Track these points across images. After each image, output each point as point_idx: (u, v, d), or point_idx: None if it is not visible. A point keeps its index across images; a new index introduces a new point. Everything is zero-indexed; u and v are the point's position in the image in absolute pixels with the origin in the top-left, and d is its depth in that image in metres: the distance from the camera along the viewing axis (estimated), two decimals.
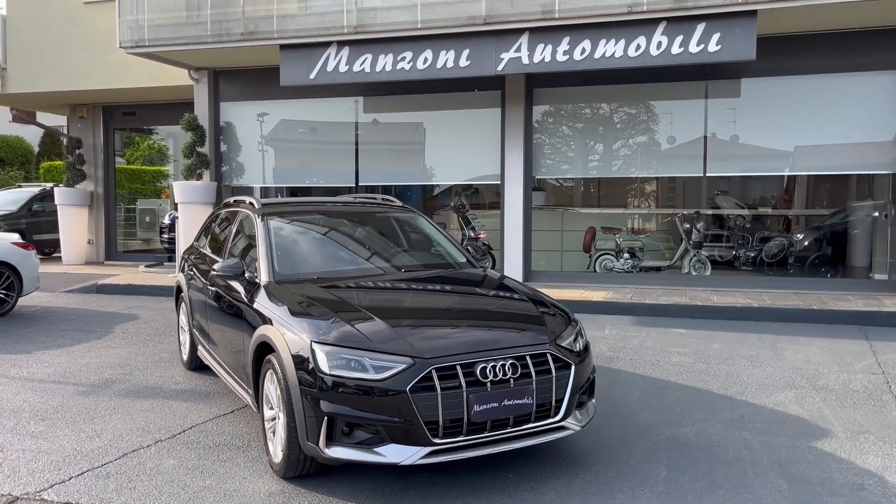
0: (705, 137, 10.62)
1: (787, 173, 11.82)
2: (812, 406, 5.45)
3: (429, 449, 3.68)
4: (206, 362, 5.93)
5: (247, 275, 4.99)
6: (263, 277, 4.83)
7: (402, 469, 4.20)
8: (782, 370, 6.50)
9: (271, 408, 4.34)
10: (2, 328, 8.65)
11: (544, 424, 4.00)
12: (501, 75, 10.78)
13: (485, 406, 3.78)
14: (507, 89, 11.06)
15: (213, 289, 5.50)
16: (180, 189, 12.10)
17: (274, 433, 4.28)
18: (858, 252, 11.85)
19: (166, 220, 16.57)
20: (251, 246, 5.33)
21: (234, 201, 6.33)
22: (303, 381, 3.85)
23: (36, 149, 30.84)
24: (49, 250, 16.86)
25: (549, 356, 4.06)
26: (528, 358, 3.98)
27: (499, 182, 11.36)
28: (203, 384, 6.16)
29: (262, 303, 4.56)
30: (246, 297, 4.80)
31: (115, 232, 16.08)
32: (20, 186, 18.70)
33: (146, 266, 14.25)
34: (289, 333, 4.05)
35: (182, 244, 12.22)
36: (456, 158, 11.84)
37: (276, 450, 4.18)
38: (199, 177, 12.29)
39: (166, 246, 16.01)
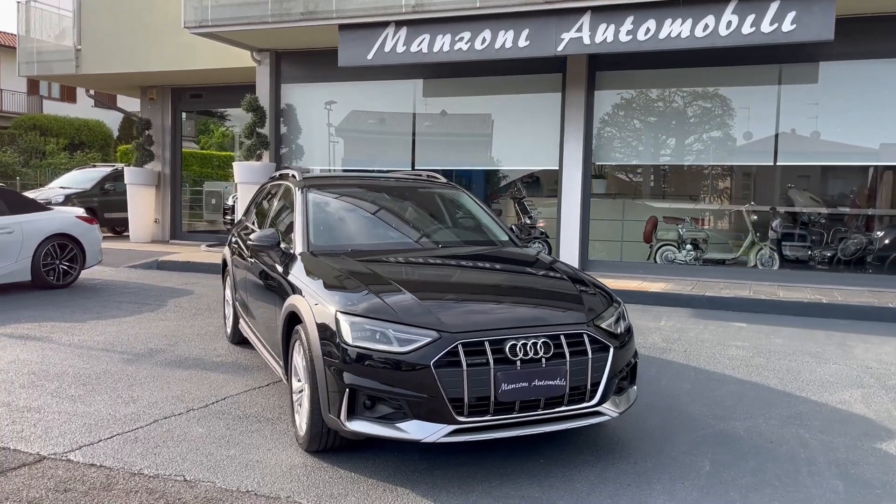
0: (777, 125, 10.08)
1: (867, 163, 11.09)
2: (879, 406, 5.06)
3: (452, 427, 3.51)
4: (245, 335, 5.90)
5: (282, 246, 4.90)
6: (298, 248, 4.73)
7: (428, 448, 4.05)
8: (849, 368, 6.07)
9: (299, 380, 4.24)
10: (63, 299, 8.86)
11: (578, 408, 3.77)
12: (563, 58, 10.53)
13: (513, 385, 3.59)
14: (568, 72, 10.76)
15: (252, 261, 5.45)
16: (240, 169, 12.22)
17: (301, 406, 4.18)
18: None
19: (230, 202, 16.86)
20: (290, 217, 5.24)
21: (280, 175, 6.28)
22: (326, 352, 3.73)
23: (116, 133, 31.94)
24: (119, 228, 17.36)
25: (585, 337, 3.82)
26: (562, 337, 3.75)
27: (557, 169, 11.05)
28: (243, 357, 6.14)
29: (294, 274, 4.46)
30: (280, 268, 4.72)
31: (179, 212, 16.42)
32: (94, 166, 19.33)
33: (207, 245, 14.48)
34: (316, 304, 3.94)
35: None
36: (514, 144, 11.60)
37: (302, 422, 4.08)
38: (259, 157, 12.39)
39: (229, 227, 16.29)
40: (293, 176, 5.65)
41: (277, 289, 4.68)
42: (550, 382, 3.66)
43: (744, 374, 5.87)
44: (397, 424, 3.57)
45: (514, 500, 3.51)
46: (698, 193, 13.82)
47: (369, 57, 10.42)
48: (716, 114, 10.54)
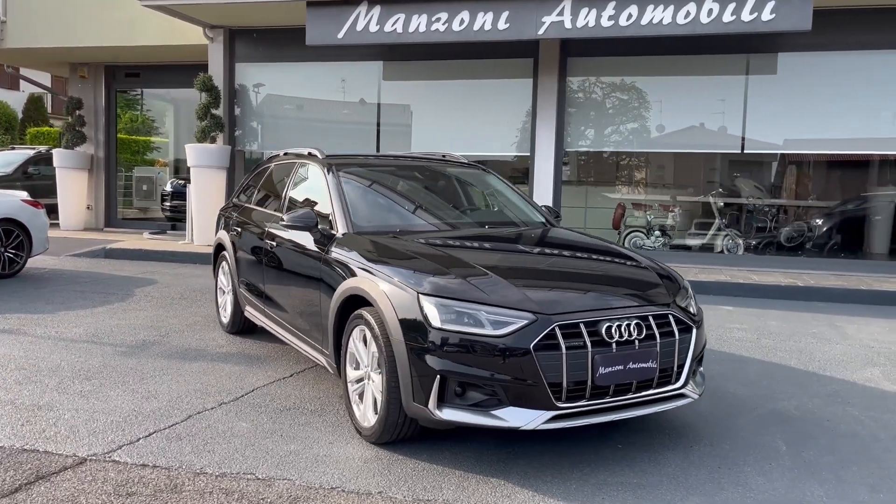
0: (745, 114, 10.32)
1: (825, 151, 11.47)
2: None
3: (552, 413, 3.35)
4: (260, 323, 5.53)
5: (319, 227, 4.60)
6: (340, 229, 4.45)
7: (498, 435, 3.86)
8: (854, 347, 6.24)
9: (357, 368, 3.98)
10: (14, 288, 8.17)
11: (666, 391, 3.68)
12: (535, 43, 10.45)
13: (610, 368, 3.45)
14: (540, 58, 10.68)
15: (272, 243, 5.11)
16: (194, 152, 11.61)
17: (361, 396, 3.93)
18: (882, 237, 11.63)
19: (168, 188, 16.04)
20: (316, 198, 4.94)
21: (285, 154, 5.94)
22: (409, 336, 3.49)
23: (20, 114, 29.98)
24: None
25: (671, 317, 3.73)
26: (650, 318, 3.65)
27: (528, 154, 10.99)
28: (250, 347, 5.78)
29: (344, 255, 4.18)
30: (320, 251, 4.42)
31: (115, 198, 15.53)
32: (13, 148, 18.04)
33: (150, 233, 13.74)
34: (388, 286, 3.69)
35: (195, 209, 11.75)
36: (483, 129, 11.44)
37: (366, 413, 3.83)
38: (214, 140, 11.80)
39: (168, 214, 15.51)
40: (312, 155, 5.33)
41: (320, 272, 4.39)
42: (643, 365, 3.55)
43: (760, 354, 5.93)
44: (492, 412, 3.38)
45: (614, 486, 3.38)
46: (665, 181, 14.02)
47: (340, 36, 10.05)
48: (684, 102, 10.67)
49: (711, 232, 11.22)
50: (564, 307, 3.50)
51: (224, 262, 6.28)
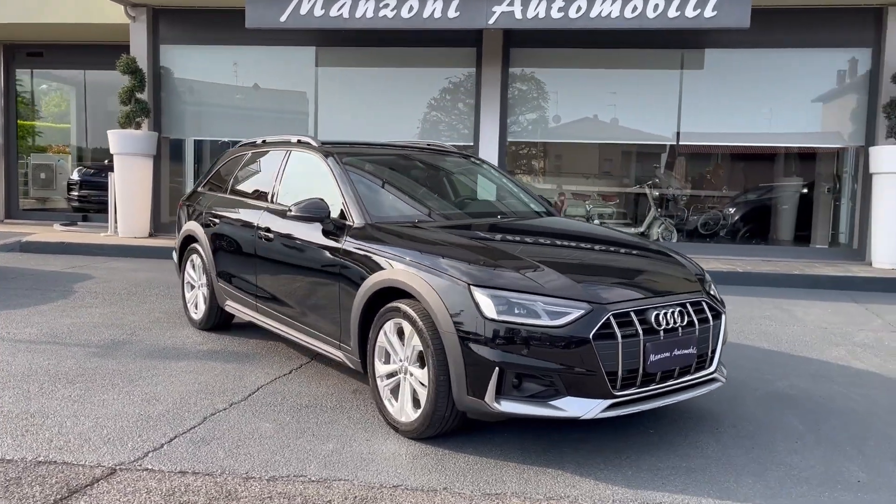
0: (679, 107, 10.72)
1: (753, 144, 12.05)
2: (871, 361, 5.55)
3: (609, 402, 3.38)
4: (248, 319, 5.29)
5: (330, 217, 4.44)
6: (356, 220, 4.30)
7: (536, 424, 3.86)
8: (810, 329, 6.62)
9: (386, 362, 3.89)
10: None
11: (702, 376, 3.79)
12: (478, 32, 10.46)
13: (659, 356, 3.52)
14: (483, 48, 10.70)
15: (268, 235, 4.89)
16: (117, 139, 10.95)
17: (395, 390, 3.84)
18: (797, 224, 12.43)
19: (75, 177, 15.12)
20: (316, 188, 4.77)
21: (264, 142, 5.71)
22: (462, 329, 3.43)
23: None
24: None
25: (704, 304, 3.84)
26: (688, 305, 3.74)
27: (471, 144, 11.00)
28: (232, 344, 5.52)
29: (368, 247, 4.05)
30: (334, 243, 4.27)
31: (16, 188, 14.48)
32: None
33: (62, 225, 12.87)
34: (433, 277, 3.60)
35: (119, 199, 11.10)
36: (426, 118, 11.37)
37: (404, 408, 3.74)
38: (139, 126, 11.17)
39: (76, 205, 14.62)
40: (305, 143, 5.14)
41: (336, 265, 4.23)
42: (686, 351, 3.64)
43: (731, 337, 6.20)
44: (550, 402, 3.37)
45: (666, 471, 3.45)
46: (602, 172, 14.35)
47: (282, 19, 9.72)
48: (624, 95, 10.97)
49: (647, 221, 11.61)
50: (615, 296, 3.53)
51: (194, 256, 5.97)
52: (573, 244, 4.56)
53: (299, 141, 5.24)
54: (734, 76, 10.63)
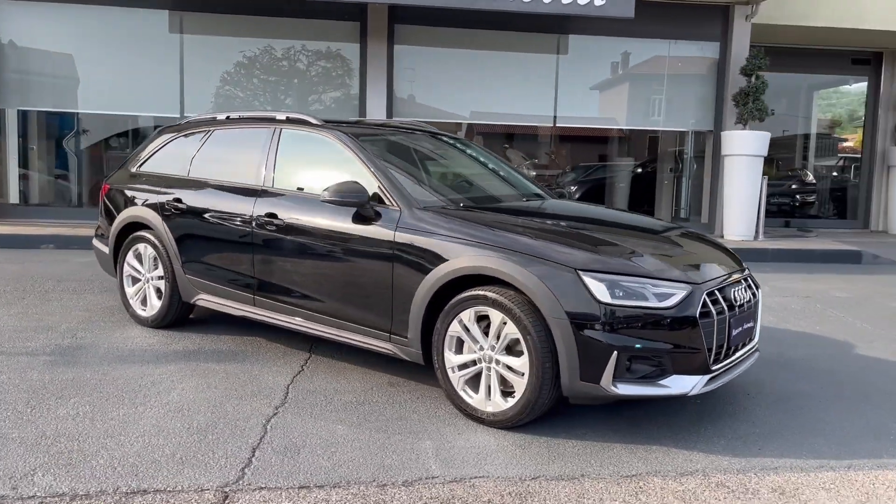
0: (556, 90, 11.19)
1: (622, 127, 12.86)
2: (797, 322, 6.24)
3: (708, 377, 3.54)
4: (239, 313, 4.78)
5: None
6: (401, 204, 4.07)
7: (593, 406, 3.91)
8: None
9: (459, 352, 3.77)
10: None
11: (752, 347, 4.07)
12: (363, 6, 10.18)
13: (738, 330, 3.75)
14: (369, 23, 10.42)
15: (277, 222, 4.46)
16: None
17: (471, 381, 3.74)
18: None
19: None
20: (332, 170, 4.46)
21: (234, 118, 5.19)
22: (575, 314, 3.41)
23: None
24: None
25: (751, 280, 4.12)
26: (743, 281, 4.00)
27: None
28: (207, 342, 5.01)
29: (432, 233, 3.86)
30: (383, 230, 4.01)
31: None
32: None
33: None
34: (530, 263, 3.53)
35: None
36: (306, 92, 10.87)
37: (493, 398, 3.64)
38: None
39: None
40: (302, 121, 4.76)
41: (387, 254, 3.98)
42: (750, 324, 3.91)
43: None
44: (659, 382, 3.47)
45: (751, 437, 3.66)
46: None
47: None
48: (500, 75, 11.21)
49: None
50: (703, 277, 3.69)
51: (141, 245, 5.31)
52: (623, 228, 4.54)
53: (289, 118, 4.83)
54: (601, 62, 11.28)
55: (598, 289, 3.41)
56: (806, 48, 12.92)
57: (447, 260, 3.77)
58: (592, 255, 3.56)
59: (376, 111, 10.44)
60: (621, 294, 3.42)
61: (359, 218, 4.13)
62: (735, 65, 11.02)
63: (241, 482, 3.01)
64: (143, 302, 5.37)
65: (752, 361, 4.08)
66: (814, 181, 14.61)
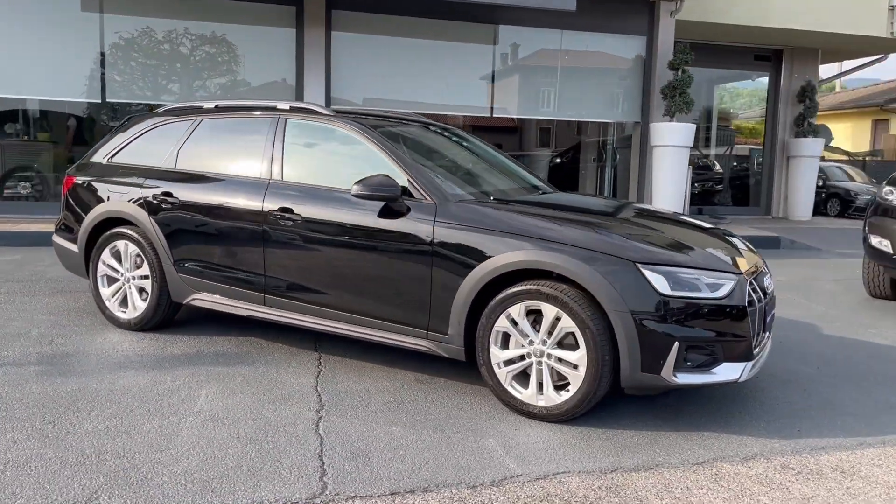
0: (493, 78, 11.25)
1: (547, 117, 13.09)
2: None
3: (751, 363, 3.68)
4: (246, 313, 4.53)
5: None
6: (434, 198, 3.98)
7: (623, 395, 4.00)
8: None
9: (505, 347, 3.75)
10: None
11: (768, 334, 4.26)
12: None
13: (769, 317, 3.92)
14: (306, 8, 10.10)
15: (294, 218, 4.24)
16: None
17: (518, 376, 3.73)
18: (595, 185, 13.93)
19: None
20: (348, 163, 4.32)
21: (239, 106, 4.88)
22: (635, 307, 3.45)
23: None
24: None
25: (768, 268, 4.31)
26: (766, 270, 4.18)
27: None
28: (200, 344, 4.74)
29: (475, 228, 3.80)
30: (420, 225, 3.91)
31: None
32: None
33: None
34: (586, 256, 3.54)
35: None
36: (237, 78, 10.41)
37: (547, 392, 3.64)
38: None
39: None
40: (309, 110, 4.56)
41: (427, 250, 3.89)
42: (774, 311, 4.09)
43: None
44: (711, 370, 3.57)
45: (799, 417, 3.87)
46: None
47: None
48: (438, 64, 11.15)
49: None
50: (743, 267, 3.82)
51: (120, 243, 4.94)
52: (658, 220, 4.46)
53: (293, 108, 4.62)
54: (534, 53, 11.43)
55: (658, 281, 3.47)
56: (714, 44, 13.58)
57: (494, 255, 3.73)
58: (650, 247, 3.62)
59: (314, 98, 10.14)
60: (678, 286, 3.49)
61: (387, 212, 4.01)
62: (661, 59, 11.45)
63: (327, 493, 2.87)
64: (123, 303, 5.01)
65: (770, 346, 4.27)
66: (720, 171, 15.45)
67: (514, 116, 12.35)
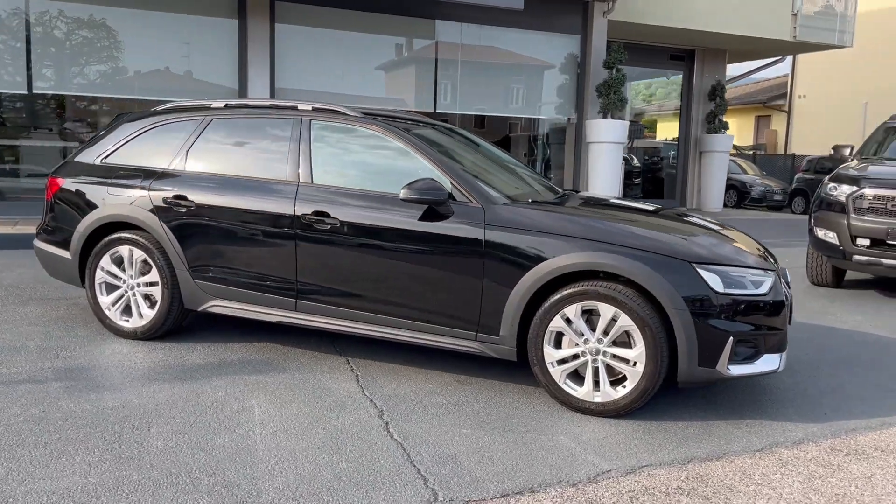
0: (435, 74, 11.30)
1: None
2: None
3: (784, 353, 3.96)
4: (274, 319, 4.41)
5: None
6: (480, 201, 4.03)
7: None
8: None
9: (558, 346, 3.87)
10: None
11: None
12: None
13: (793, 309, 4.22)
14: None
15: (332, 222, 4.17)
16: None
17: (572, 374, 3.86)
18: None
19: None
20: (387, 166, 4.32)
21: (252, 106, 4.74)
22: (694, 305, 3.64)
23: None
24: None
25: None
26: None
27: None
28: (218, 352, 4.60)
29: (529, 230, 3.88)
30: (470, 228, 3.95)
31: None
32: None
33: None
34: (645, 257, 3.70)
35: None
36: (177, 69, 9.97)
37: (604, 388, 3.78)
38: None
39: None
40: (336, 112, 4.51)
41: (479, 253, 3.93)
42: (791, 302, 4.40)
43: None
44: (755, 362, 3.81)
45: (846, 398, 4.18)
46: None
47: None
48: (382, 59, 11.10)
49: None
50: (773, 265, 4.09)
51: (123, 248, 4.70)
52: (671, 217, 4.65)
53: (317, 108, 4.54)
54: (473, 50, 11.58)
55: (713, 280, 3.67)
56: (633, 43, 14.15)
57: (550, 257, 3.82)
58: (703, 248, 3.82)
59: (259, 91, 9.88)
60: (730, 284, 3.71)
61: (431, 215, 4.03)
62: (595, 57, 11.84)
63: (441, 498, 2.90)
64: (126, 311, 4.77)
65: None
66: (638, 164, 16.14)
67: (457, 112, 12.47)
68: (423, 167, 4.18)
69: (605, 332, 3.76)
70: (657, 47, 14.70)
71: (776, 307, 3.82)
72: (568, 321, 3.82)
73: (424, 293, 4.09)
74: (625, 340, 3.75)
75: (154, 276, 4.65)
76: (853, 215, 7.09)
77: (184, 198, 4.55)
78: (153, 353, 4.53)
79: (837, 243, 7.18)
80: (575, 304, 3.79)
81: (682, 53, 15.23)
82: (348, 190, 4.27)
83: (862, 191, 7.10)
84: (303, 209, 4.27)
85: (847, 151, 8.38)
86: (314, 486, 2.94)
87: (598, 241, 3.80)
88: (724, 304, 3.67)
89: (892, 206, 6.89)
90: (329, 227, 4.21)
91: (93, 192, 4.83)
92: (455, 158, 4.47)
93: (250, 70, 9.89)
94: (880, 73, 23.61)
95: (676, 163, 15.70)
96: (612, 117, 11.62)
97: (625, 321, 3.71)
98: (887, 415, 4.05)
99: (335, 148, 4.48)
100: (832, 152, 8.62)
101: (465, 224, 3.98)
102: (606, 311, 3.73)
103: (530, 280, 3.85)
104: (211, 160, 4.65)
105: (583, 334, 3.81)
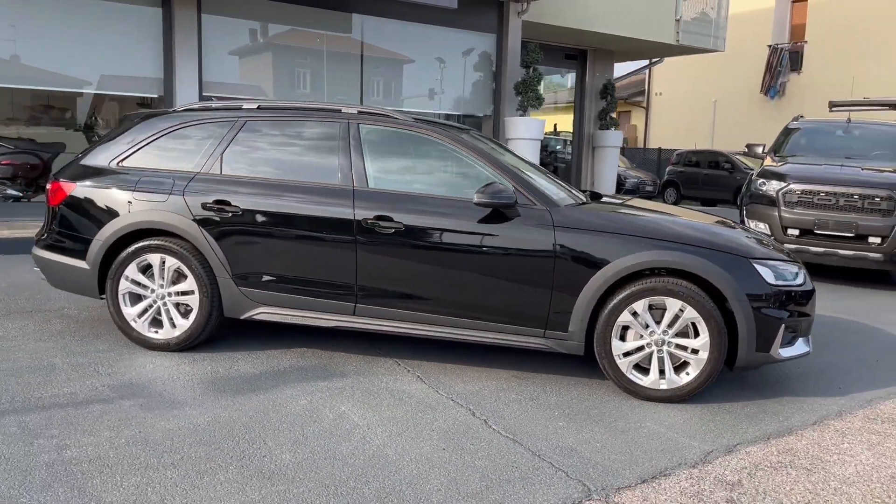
0: (362, 71, 11.25)
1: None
2: None
3: (810, 336, 4.46)
4: (332, 325, 4.35)
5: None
6: (544, 204, 4.23)
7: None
8: None
9: (623, 339, 4.15)
10: None
11: None
12: None
13: None
14: None
15: (397, 226, 4.19)
16: None
17: (637, 365, 4.15)
18: None
19: None
20: (443, 169, 4.42)
21: (291, 108, 4.64)
22: (753, 297, 4.03)
23: None
24: None
25: None
26: None
27: (159, 95, 9.54)
28: (261, 361, 4.48)
29: (598, 230, 4.12)
30: (542, 230, 4.14)
31: None
32: None
33: None
34: (710, 255, 4.04)
35: None
36: (96, 60, 9.31)
37: (669, 376, 4.09)
38: None
39: None
40: (385, 116, 4.53)
41: (551, 253, 4.12)
42: None
43: None
44: (793, 345, 4.28)
45: (866, 376, 4.71)
46: None
47: None
48: (305, 53, 10.90)
49: None
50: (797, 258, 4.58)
51: (155, 256, 4.47)
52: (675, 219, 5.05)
53: (362, 112, 4.54)
54: (396, 44, 11.64)
55: (767, 273, 4.08)
56: (534, 42, 14.72)
57: (620, 256, 4.08)
58: (758, 245, 4.23)
59: (186, 84, 9.44)
60: (778, 276, 4.14)
61: (495, 217, 4.18)
62: (511, 56, 12.23)
63: (595, 489, 3.08)
64: (159, 321, 4.54)
65: None
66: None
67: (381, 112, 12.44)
68: (479, 171, 4.31)
69: (671, 325, 4.07)
70: (554, 47, 15.34)
71: (808, 295, 4.30)
72: (634, 314, 4.09)
73: (492, 293, 4.22)
74: (685, 331, 4.07)
75: (189, 284, 4.46)
76: (783, 208, 7.89)
77: (227, 203, 4.40)
78: (198, 364, 4.36)
79: (769, 233, 7.95)
80: (643, 300, 4.07)
81: (575, 53, 15.99)
82: (409, 194, 4.32)
83: (790, 186, 7.91)
84: (363, 213, 4.26)
85: (760, 149, 9.25)
86: (471, 488, 3.03)
87: (661, 240, 4.10)
88: (775, 295, 4.08)
89: (818, 199, 7.73)
90: (393, 230, 4.24)
91: (113, 197, 4.55)
92: (507, 162, 4.62)
93: (177, 61, 9.42)
94: (727, 74, 25.77)
95: (572, 156, 16.48)
96: (530, 115, 12.08)
97: (691, 313, 4.03)
98: (888, 385, 4.64)
99: (387, 152, 4.49)
100: (745, 150, 9.47)
101: (532, 226, 4.15)
102: (673, 304, 4.04)
103: (602, 278, 4.09)
104: (250, 164, 4.52)
105: (648, 326, 4.10)
